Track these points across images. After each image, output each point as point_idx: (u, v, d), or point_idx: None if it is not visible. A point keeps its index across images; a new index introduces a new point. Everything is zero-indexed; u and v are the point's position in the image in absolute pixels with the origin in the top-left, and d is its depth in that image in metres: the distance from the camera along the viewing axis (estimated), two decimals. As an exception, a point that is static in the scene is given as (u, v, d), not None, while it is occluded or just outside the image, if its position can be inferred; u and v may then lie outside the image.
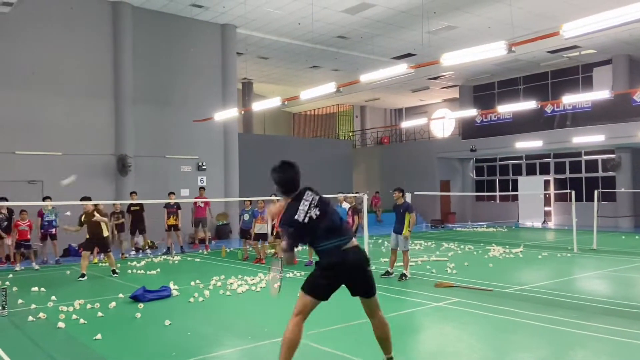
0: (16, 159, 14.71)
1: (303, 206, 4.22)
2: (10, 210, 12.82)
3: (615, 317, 6.85)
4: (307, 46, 20.46)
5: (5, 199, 12.08)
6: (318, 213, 4.22)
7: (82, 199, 10.64)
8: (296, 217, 4.19)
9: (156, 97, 17.32)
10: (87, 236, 10.78)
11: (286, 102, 13.68)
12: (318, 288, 4.21)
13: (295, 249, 4.38)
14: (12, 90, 14.78)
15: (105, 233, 10.94)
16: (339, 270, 4.19)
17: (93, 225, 10.71)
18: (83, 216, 10.74)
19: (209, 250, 15.34)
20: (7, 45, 14.76)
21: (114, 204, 13.90)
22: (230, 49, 18.93)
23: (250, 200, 13.20)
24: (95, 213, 10.79)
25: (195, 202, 15.41)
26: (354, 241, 4.29)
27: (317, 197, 4.35)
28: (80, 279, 10.31)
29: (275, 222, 9.75)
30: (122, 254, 13.77)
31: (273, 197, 12.82)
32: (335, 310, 7.67)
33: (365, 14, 17.29)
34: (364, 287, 4.29)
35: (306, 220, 4.18)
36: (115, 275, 10.71)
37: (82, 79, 15.92)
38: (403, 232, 9.93)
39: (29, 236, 12.44)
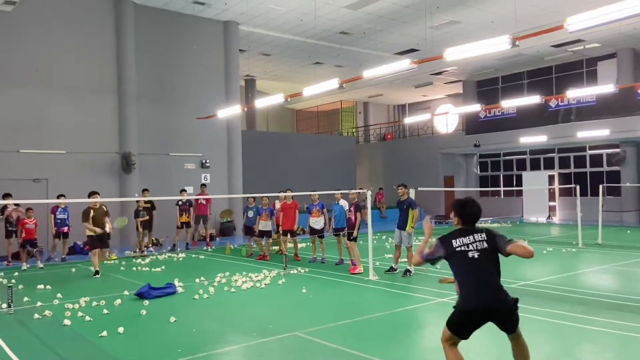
0: (20, 158, 14.75)
1: (467, 240, 4.27)
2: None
3: (621, 312, 6.83)
4: (309, 42, 20.42)
5: (10, 195, 12.21)
6: (476, 256, 4.20)
7: (92, 194, 10.63)
8: (453, 241, 4.29)
9: (159, 95, 17.33)
10: (93, 233, 10.69)
11: (289, 99, 13.65)
12: (460, 331, 4.21)
13: (429, 263, 4.58)
14: (16, 89, 14.81)
15: (108, 229, 10.97)
16: (480, 316, 4.18)
17: (100, 221, 10.72)
18: (91, 212, 10.72)
19: (210, 247, 15.37)
20: (10, 44, 14.79)
21: (137, 202, 13.86)
22: (233, 46, 18.91)
23: (254, 197, 13.21)
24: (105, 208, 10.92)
25: (196, 199, 15.43)
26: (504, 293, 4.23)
27: (486, 245, 4.25)
28: (95, 276, 10.35)
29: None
30: (135, 251, 13.81)
31: (280, 194, 12.85)
32: (341, 306, 7.69)
33: (367, 9, 17.23)
34: (509, 325, 4.27)
35: (458, 250, 4.25)
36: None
37: (85, 77, 15.94)
38: (406, 228, 9.92)
39: (35, 235, 12.49)
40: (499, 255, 4.27)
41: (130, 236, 15.11)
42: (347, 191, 11.67)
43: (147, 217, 13.88)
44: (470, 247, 4.24)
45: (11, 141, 14.63)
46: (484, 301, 4.11)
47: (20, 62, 14.91)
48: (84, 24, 15.95)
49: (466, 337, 4.21)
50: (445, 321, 4.24)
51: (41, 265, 12.09)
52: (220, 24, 18.56)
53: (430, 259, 4.46)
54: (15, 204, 12.28)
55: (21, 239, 12.34)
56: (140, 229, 13.76)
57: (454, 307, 4.24)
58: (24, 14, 14.85)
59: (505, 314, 4.18)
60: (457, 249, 4.25)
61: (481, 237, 4.28)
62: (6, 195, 12.25)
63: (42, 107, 15.19)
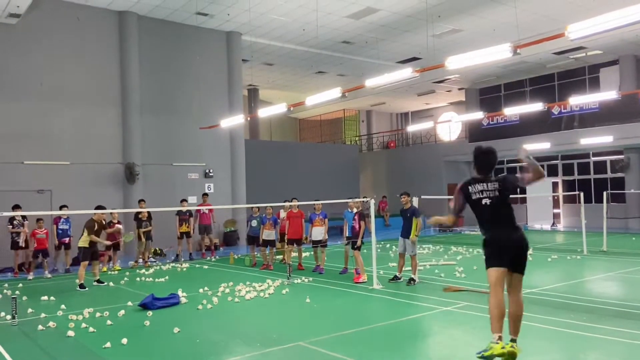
0: (25, 169, 14.82)
1: (480, 187, 5.03)
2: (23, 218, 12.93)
3: (627, 320, 6.78)
4: (312, 52, 20.52)
5: (19, 207, 12.38)
6: (488, 202, 4.98)
7: (98, 208, 10.82)
8: (470, 187, 5.04)
9: (163, 105, 17.42)
10: (87, 246, 10.66)
11: (292, 108, 13.69)
12: (494, 261, 4.94)
13: (456, 216, 5.33)
14: (20, 101, 14.91)
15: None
16: (506, 240, 4.94)
17: (98, 235, 10.84)
18: (95, 225, 10.76)
19: (214, 256, 15.35)
20: (14, 56, 14.90)
21: (140, 212, 13.89)
22: (236, 56, 19.02)
23: (259, 207, 13.21)
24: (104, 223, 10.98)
25: (199, 209, 15.42)
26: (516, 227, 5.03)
27: (498, 193, 5.01)
28: (80, 289, 10.26)
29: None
30: (137, 261, 13.82)
31: (285, 204, 12.85)
32: (345, 316, 7.66)
33: (369, 18, 17.32)
34: (519, 264, 4.97)
35: (474, 197, 5.02)
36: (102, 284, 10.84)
37: (89, 88, 16.04)
38: (410, 237, 9.90)
39: (47, 245, 12.66)
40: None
41: (134, 247, 15.11)
42: (353, 200, 11.58)
43: (150, 228, 13.88)
44: (484, 195, 4.97)
45: (15, 152, 14.70)
46: (503, 234, 4.91)
47: (25, 73, 15.00)
48: (88, 35, 16.07)
49: (506, 264, 4.88)
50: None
51: (49, 275, 12.18)
52: (223, 35, 18.68)
53: (458, 210, 5.18)
54: (23, 217, 12.35)
55: (32, 249, 12.51)
56: (143, 239, 13.77)
57: (482, 244, 5.03)
58: (28, 26, 14.98)
59: (522, 249, 4.93)
60: (473, 197, 4.98)
61: (493, 187, 5.02)
62: (16, 207, 12.34)
63: (46, 118, 15.28)
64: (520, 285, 5.06)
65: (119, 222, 13.11)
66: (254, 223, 13.08)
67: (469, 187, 5.09)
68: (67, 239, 13.11)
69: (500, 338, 4.81)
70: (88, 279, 10.91)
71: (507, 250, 4.91)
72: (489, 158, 5.14)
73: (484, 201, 5.00)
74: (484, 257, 5.08)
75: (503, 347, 4.71)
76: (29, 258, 12.77)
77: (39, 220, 12.62)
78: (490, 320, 4.90)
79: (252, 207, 13.58)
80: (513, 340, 4.96)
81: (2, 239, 13.16)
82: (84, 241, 10.66)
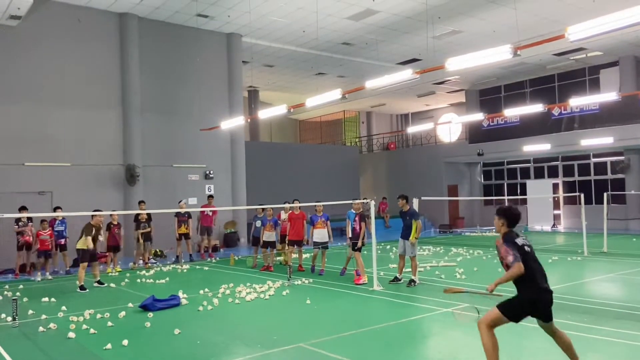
0: (26, 171, 14.83)
1: (522, 238, 4.91)
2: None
3: (628, 321, 6.78)
4: (312, 53, 20.53)
5: (26, 208, 12.44)
6: (530, 250, 4.85)
7: (96, 211, 10.90)
8: (516, 240, 4.83)
9: (163, 107, 17.43)
10: (85, 248, 10.66)
11: (292, 110, 13.69)
12: (518, 317, 4.81)
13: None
14: (21, 103, 14.92)
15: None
16: (540, 307, 4.79)
17: (95, 238, 10.91)
18: (93, 230, 10.78)
19: (214, 258, 15.34)
20: (15, 58, 14.92)
21: (139, 213, 13.88)
22: (236, 58, 19.04)
23: (263, 208, 13.14)
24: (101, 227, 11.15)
25: (202, 211, 15.41)
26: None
27: (529, 242, 4.94)
28: (81, 290, 10.27)
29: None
30: (136, 262, 13.82)
31: (286, 205, 12.83)
32: (346, 317, 7.66)
33: (369, 20, 17.34)
34: (548, 316, 4.87)
35: (524, 249, 4.78)
36: (103, 285, 10.85)
37: (89, 90, 16.06)
38: (410, 238, 9.91)
39: (50, 246, 12.76)
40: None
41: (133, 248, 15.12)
42: (360, 201, 11.52)
43: (149, 229, 13.86)
44: (526, 242, 4.87)
45: (16, 154, 14.71)
46: (543, 297, 4.72)
47: (26, 75, 15.02)
48: (89, 37, 16.09)
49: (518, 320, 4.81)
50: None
51: (50, 277, 12.24)
52: (224, 36, 18.70)
53: (518, 256, 4.77)
54: (28, 218, 12.39)
55: (36, 250, 12.62)
56: (141, 241, 13.76)
57: (520, 296, 4.78)
58: (29, 28, 15.00)
59: (550, 306, 4.83)
60: (523, 247, 4.80)
61: (523, 234, 5.01)
62: (22, 209, 12.38)
63: (47, 120, 15.29)
64: (554, 326, 4.93)
65: (118, 225, 13.12)
66: (258, 224, 13.05)
67: (516, 240, 4.84)
68: (62, 240, 13.13)
69: None
70: (89, 280, 10.92)
71: (535, 313, 4.79)
72: (518, 212, 5.06)
73: (527, 249, 4.81)
74: (511, 301, 4.79)
75: None
76: (31, 259, 12.82)
77: (43, 221, 12.71)
78: (487, 356, 4.75)
79: (256, 208, 13.53)
80: None
81: (3, 241, 13.18)
82: (81, 243, 10.69)
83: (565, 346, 4.92)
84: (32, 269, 12.71)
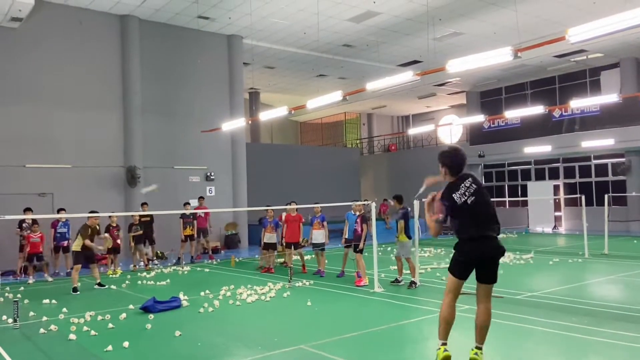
0: (26, 172, 14.85)
1: (461, 189, 4.75)
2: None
3: (628, 323, 6.77)
4: (313, 55, 20.55)
5: (31, 210, 12.43)
6: (473, 199, 4.70)
7: (92, 212, 10.81)
8: (453, 195, 4.73)
9: (164, 109, 17.45)
10: (79, 250, 10.66)
11: (293, 111, 13.71)
12: (462, 272, 4.79)
13: (443, 223, 4.94)
14: (22, 105, 14.95)
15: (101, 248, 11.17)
16: (476, 258, 4.75)
17: (92, 239, 10.88)
18: (89, 230, 10.77)
19: (213, 260, 15.33)
20: (16, 60, 14.95)
21: (132, 216, 13.91)
22: (237, 60, 19.07)
23: (273, 210, 13.07)
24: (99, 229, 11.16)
25: (195, 213, 15.39)
26: (496, 233, 4.82)
27: (474, 187, 4.78)
28: (74, 292, 10.25)
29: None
30: (134, 265, 13.83)
31: (287, 207, 12.82)
32: (347, 319, 7.66)
33: (370, 22, 17.36)
34: (490, 276, 4.83)
35: (460, 202, 4.69)
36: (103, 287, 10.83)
37: (90, 91, 16.08)
38: (398, 238, 10.00)
39: (41, 248, 12.54)
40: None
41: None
42: (360, 202, 11.52)
43: (140, 232, 13.80)
44: (466, 194, 4.71)
45: (17, 156, 14.73)
46: (476, 248, 4.66)
47: (27, 77, 15.05)
48: (90, 39, 16.12)
49: (467, 277, 4.78)
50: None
51: (50, 279, 12.15)
52: (224, 38, 18.73)
53: (443, 220, 4.85)
54: (33, 220, 12.37)
55: (26, 253, 12.38)
56: (133, 244, 13.74)
57: (455, 246, 4.78)
58: (30, 29, 15.03)
59: (494, 261, 4.80)
60: (459, 202, 4.69)
61: (469, 183, 4.78)
62: (27, 210, 12.36)
63: (48, 121, 15.31)
64: (490, 295, 4.88)
65: (117, 227, 13.13)
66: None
67: (453, 195, 4.77)
68: (65, 242, 13.07)
69: (444, 345, 4.77)
70: (90, 282, 10.92)
71: (476, 265, 4.77)
72: (462, 157, 4.98)
73: (469, 201, 4.72)
74: (453, 256, 4.89)
75: (445, 350, 4.72)
76: (21, 263, 12.70)
77: (34, 223, 12.50)
78: (439, 325, 4.80)
79: (266, 210, 13.44)
80: (478, 348, 4.90)
81: (3, 242, 13.19)
82: (77, 245, 10.70)
83: (481, 325, 4.83)
84: (32, 272, 12.57)
